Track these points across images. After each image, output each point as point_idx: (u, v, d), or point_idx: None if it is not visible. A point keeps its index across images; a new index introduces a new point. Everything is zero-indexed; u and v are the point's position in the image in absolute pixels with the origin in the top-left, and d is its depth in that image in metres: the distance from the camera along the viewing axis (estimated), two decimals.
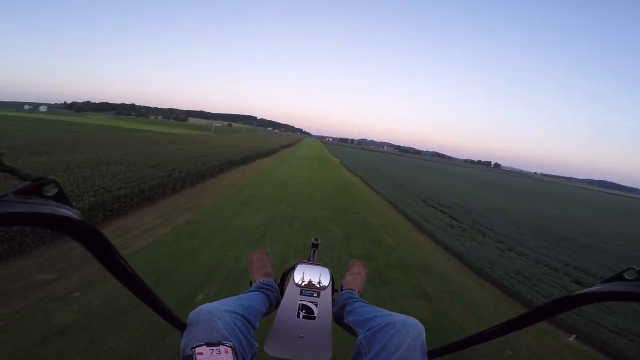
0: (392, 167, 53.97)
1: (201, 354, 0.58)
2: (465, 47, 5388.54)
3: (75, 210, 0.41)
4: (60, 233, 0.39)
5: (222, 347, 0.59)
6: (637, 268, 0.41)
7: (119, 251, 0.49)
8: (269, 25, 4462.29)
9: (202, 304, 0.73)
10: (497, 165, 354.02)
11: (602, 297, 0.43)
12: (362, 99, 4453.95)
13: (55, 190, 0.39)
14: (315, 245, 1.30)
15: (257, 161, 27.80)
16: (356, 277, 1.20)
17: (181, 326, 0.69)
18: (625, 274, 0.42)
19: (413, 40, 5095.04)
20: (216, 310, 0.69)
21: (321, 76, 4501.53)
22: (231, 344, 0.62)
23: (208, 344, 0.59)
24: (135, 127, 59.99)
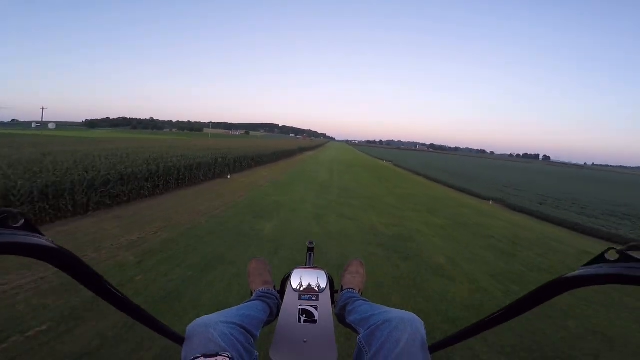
0: (467, 168, 37.86)
1: None
2: (494, 35, 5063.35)
3: (46, 237, 0.42)
4: (34, 258, 0.40)
5: (219, 358, 0.59)
6: (617, 248, 0.40)
7: (101, 275, 0.50)
8: (289, 35, 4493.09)
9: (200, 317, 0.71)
10: (546, 158, 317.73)
11: (588, 281, 0.42)
12: (385, 101, 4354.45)
13: (22, 221, 0.40)
14: (310, 249, 1.23)
15: (229, 178, 11.40)
16: (355, 276, 1.15)
17: (179, 340, 0.69)
18: (606, 255, 0.41)
19: (429, 36, 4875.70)
20: (212, 322, 0.69)
21: (342, 81, 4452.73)
22: (229, 354, 0.61)
23: (205, 356, 0.60)
24: (115, 136, 52.24)
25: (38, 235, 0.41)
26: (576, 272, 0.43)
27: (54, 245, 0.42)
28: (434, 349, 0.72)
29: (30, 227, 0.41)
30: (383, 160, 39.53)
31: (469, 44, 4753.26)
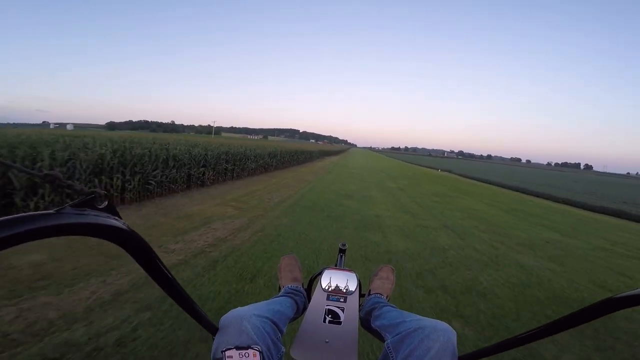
0: (559, 182, 26.83)
1: (231, 357, 0.60)
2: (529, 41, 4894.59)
3: (123, 221, 0.43)
4: (109, 241, 0.40)
5: (250, 351, 0.61)
6: None
7: (160, 259, 0.51)
8: (313, 41, 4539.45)
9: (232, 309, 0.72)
10: (587, 167, 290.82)
11: None
12: (409, 107, 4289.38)
13: (105, 203, 0.41)
14: (342, 251, 1.23)
15: None
16: (384, 281, 1.15)
17: (213, 329, 0.69)
18: None
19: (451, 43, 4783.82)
20: (246, 315, 0.69)
21: (365, 86, 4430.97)
22: (259, 347, 0.63)
23: (237, 348, 0.61)
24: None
25: (117, 218, 0.42)
26: (638, 290, 0.41)
27: (129, 230, 0.43)
28: None
29: (112, 209, 0.42)
30: (438, 169, 28.74)
31: (492, 46, 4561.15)
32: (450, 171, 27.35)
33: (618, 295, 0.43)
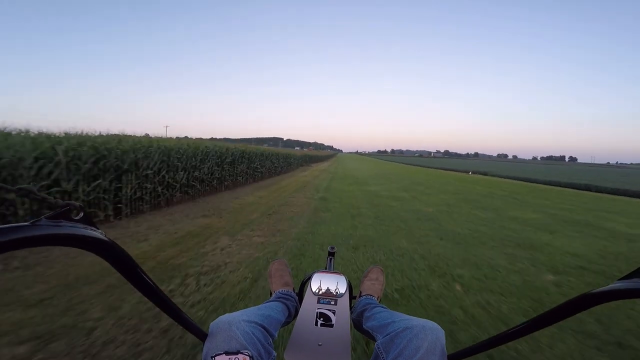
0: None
1: None
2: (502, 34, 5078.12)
3: (100, 231, 0.43)
4: (88, 251, 0.41)
5: (240, 356, 0.61)
6: None
7: (141, 267, 0.51)
8: (293, 47, 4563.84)
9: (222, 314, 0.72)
10: (572, 159, 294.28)
11: (625, 294, 0.41)
12: (391, 110, 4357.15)
13: (81, 214, 0.42)
14: (331, 254, 1.26)
15: None
16: (374, 282, 1.18)
17: (202, 336, 0.69)
18: None
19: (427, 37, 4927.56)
20: (235, 321, 0.69)
21: (346, 92, 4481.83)
22: (249, 352, 0.62)
23: (227, 353, 0.61)
24: None
25: (94, 228, 0.42)
26: (615, 285, 0.42)
27: (107, 239, 0.43)
28: (452, 358, 0.70)
29: (89, 220, 0.42)
30: (469, 172, 21.40)
31: (473, 44, 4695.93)
32: (486, 173, 20.06)
33: (595, 291, 0.44)
